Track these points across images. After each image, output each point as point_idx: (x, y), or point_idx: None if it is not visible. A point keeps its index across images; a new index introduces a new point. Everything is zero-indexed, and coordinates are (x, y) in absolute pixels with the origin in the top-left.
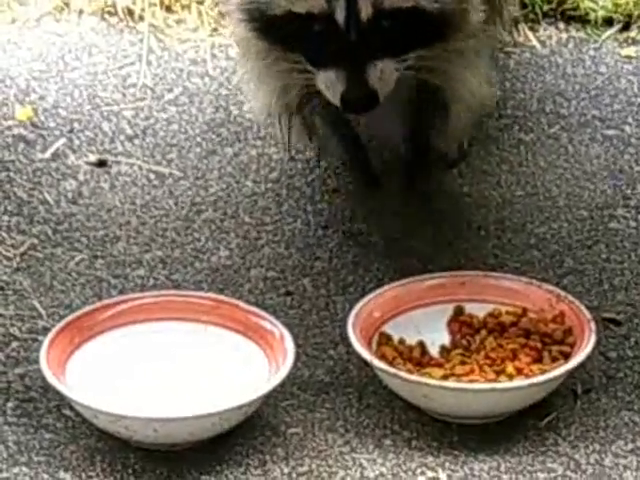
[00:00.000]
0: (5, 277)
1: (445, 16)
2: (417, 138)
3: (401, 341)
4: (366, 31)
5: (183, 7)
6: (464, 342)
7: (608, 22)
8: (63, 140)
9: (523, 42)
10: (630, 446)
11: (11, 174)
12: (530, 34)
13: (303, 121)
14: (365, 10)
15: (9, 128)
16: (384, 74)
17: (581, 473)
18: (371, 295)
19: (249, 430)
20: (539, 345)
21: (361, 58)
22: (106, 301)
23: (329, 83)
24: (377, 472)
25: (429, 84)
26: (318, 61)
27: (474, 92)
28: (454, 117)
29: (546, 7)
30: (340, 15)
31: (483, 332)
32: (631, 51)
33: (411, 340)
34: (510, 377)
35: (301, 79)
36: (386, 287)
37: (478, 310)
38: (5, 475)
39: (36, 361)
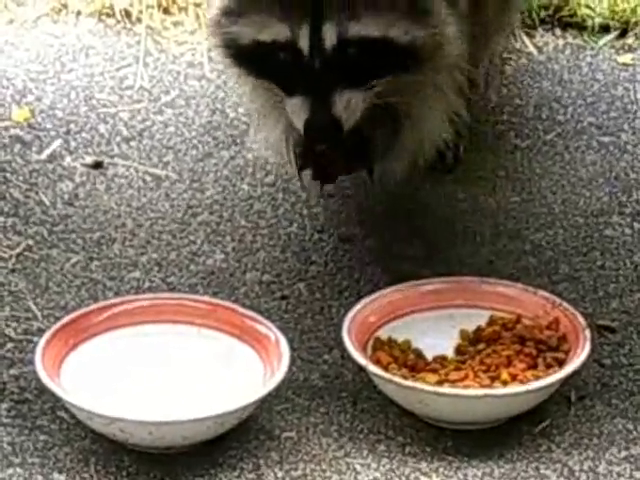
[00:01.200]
0: (0, 278)
1: (416, 48)
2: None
3: (396, 346)
4: (331, 60)
5: (180, 9)
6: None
7: (605, 29)
8: (59, 141)
9: (520, 48)
10: (624, 453)
11: (7, 175)
12: (527, 40)
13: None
14: (329, 39)
15: (6, 129)
16: (349, 103)
17: None
18: (366, 300)
19: (243, 434)
20: (534, 352)
21: (325, 86)
22: (101, 303)
23: (294, 110)
24: (371, 477)
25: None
26: (285, 88)
27: (430, 129)
28: (404, 141)
29: (543, 13)
30: (304, 43)
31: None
32: (628, 58)
33: (406, 345)
34: (505, 383)
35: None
36: (381, 292)
37: (473, 316)
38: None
39: (31, 362)
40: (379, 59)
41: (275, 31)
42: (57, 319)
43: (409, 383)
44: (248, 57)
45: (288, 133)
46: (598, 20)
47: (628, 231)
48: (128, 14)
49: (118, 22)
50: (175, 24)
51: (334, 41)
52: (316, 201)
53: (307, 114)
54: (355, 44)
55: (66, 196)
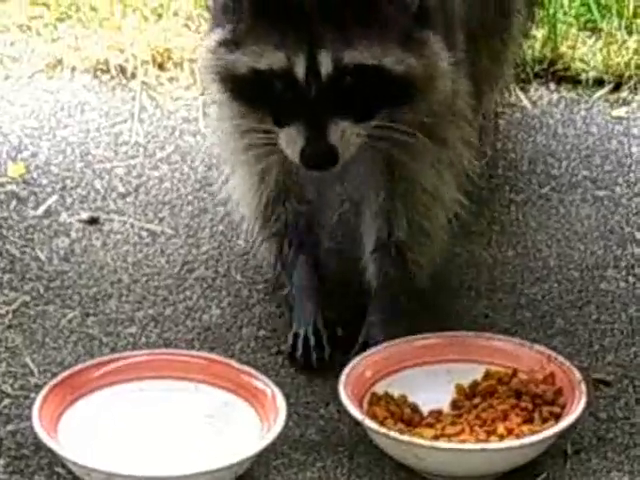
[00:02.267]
0: None
1: (409, 79)
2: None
3: (392, 401)
4: (327, 87)
5: (175, 65)
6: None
7: (599, 83)
8: (55, 197)
9: (514, 102)
10: None
11: (3, 231)
12: (521, 94)
13: (276, 239)
14: (325, 66)
15: (1, 185)
16: (345, 133)
17: None
18: (362, 355)
19: None
20: (530, 406)
21: (321, 114)
22: (98, 359)
23: (290, 140)
24: None
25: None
26: (280, 118)
27: (442, 197)
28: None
29: (537, 67)
30: (300, 71)
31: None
32: (622, 112)
33: (402, 400)
34: (501, 437)
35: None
36: (377, 347)
37: (469, 370)
38: None
39: (28, 418)
40: (373, 87)
41: (272, 59)
42: (54, 375)
43: (405, 438)
44: (244, 87)
45: (263, 200)
46: (592, 74)
47: (623, 284)
48: (123, 70)
49: (113, 78)
50: (170, 80)
51: (330, 69)
52: (270, 270)
53: (303, 142)
54: (351, 71)
55: (62, 252)
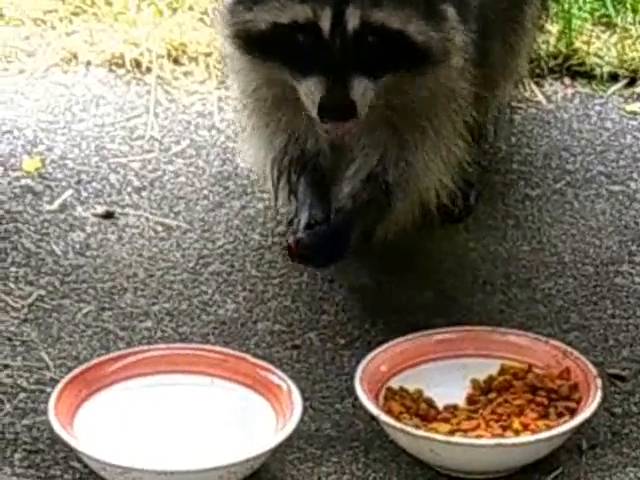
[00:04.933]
0: (13, 328)
1: (427, 49)
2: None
3: (407, 396)
4: (351, 43)
5: (191, 59)
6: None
7: (614, 77)
8: (70, 192)
9: (529, 97)
10: None
11: (19, 225)
12: (536, 89)
13: (287, 179)
14: (352, 21)
15: (17, 179)
16: (364, 89)
17: None
18: (378, 349)
19: None
20: (545, 401)
21: (343, 68)
22: (114, 353)
23: (309, 91)
24: None
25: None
26: (301, 71)
27: (430, 177)
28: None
29: (552, 63)
30: (325, 24)
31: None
32: (636, 107)
33: (417, 395)
34: (516, 433)
35: (289, 119)
36: (393, 341)
37: (484, 365)
38: None
39: (44, 412)
40: (394, 51)
41: (295, 12)
42: (69, 369)
43: (421, 433)
44: (263, 43)
45: (273, 149)
46: (607, 69)
47: (638, 280)
48: (138, 64)
49: (128, 72)
50: (185, 74)
51: (356, 25)
52: (287, 221)
53: (323, 93)
54: (375, 31)
55: (77, 246)
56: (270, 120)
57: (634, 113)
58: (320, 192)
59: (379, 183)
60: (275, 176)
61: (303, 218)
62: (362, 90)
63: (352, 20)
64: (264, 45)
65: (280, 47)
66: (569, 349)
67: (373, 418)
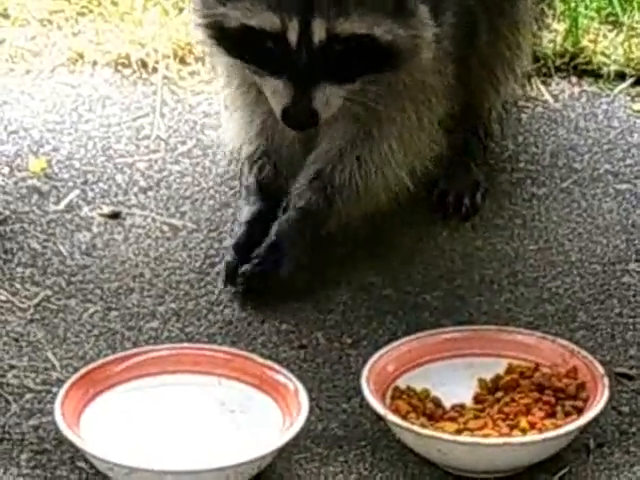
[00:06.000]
0: (19, 328)
1: (396, 48)
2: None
3: (414, 395)
4: (317, 53)
5: (197, 59)
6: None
7: (620, 76)
8: (77, 192)
9: (536, 96)
10: None
11: (25, 225)
12: (543, 88)
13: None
14: (318, 33)
15: (23, 179)
16: (329, 97)
17: None
18: (385, 349)
19: None
20: (552, 400)
21: (309, 78)
22: (120, 353)
23: (275, 92)
24: None
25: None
26: (267, 72)
27: (387, 171)
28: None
29: (559, 61)
30: (293, 36)
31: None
32: None
33: (424, 394)
34: (523, 432)
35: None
36: (400, 341)
37: (491, 364)
38: None
39: (50, 413)
40: (362, 56)
41: (264, 20)
42: (76, 369)
43: (428, 432)
44: (233, 39)
45: (248, 134)
46: (614, 68)
47: None
48: (144, 64)
49: (134, 72)
50: (191, 74)
51: (323, 36)
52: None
53: (287, 101)
54: (342, 40)
55: (84, 246)
56: (246, 104)
57: None
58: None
59: (323, 185)
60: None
61: (241, 232)
62: (326, 99)
63: (318, 31)
64: (233, 41)
65: (248, 47)
66: (576, 348)
67: (380, 418)
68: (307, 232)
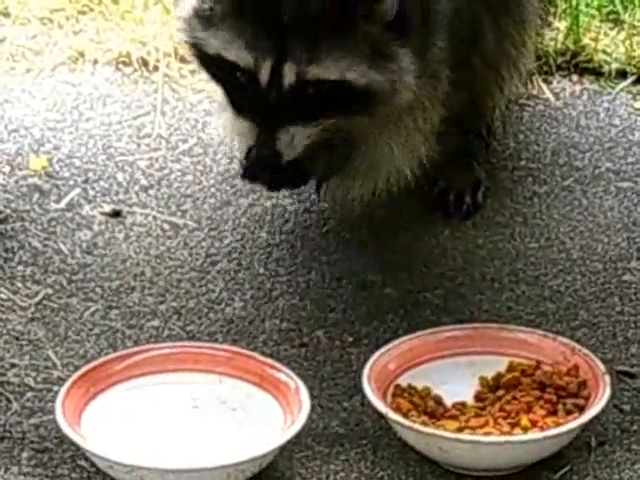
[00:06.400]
0: (20, 327)
1: (372, 92)
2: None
3: (416, 393)
4: (286, 97)
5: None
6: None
7: (622, 74)
8: (78, 190)
9: (537, 94)
10: None
11: (26, 224)
12: (544, 86)
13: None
14: (289, 77)
15: (24, 178)
16: (293, 139)
17: None
18: (386, 347)
19: None
20: (554, 398)
21: (275, 121)
22: (121, 352)
23: (241, 131)
24: None
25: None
26: (237, 107)
27: (387, 157)
28: (356, 163)
29: (560, 59)
30: (264, 77)
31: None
32: None
33: (426, 392)
34: (525, 430)
35: None
36: (401, 339)
37: (492, 362)
38: None
39: (51, 411)
40: (334, 99)
41: (238, 55)
42: (76, 368)
43: (429, 430)
44: (210, 64)
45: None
46: (615, 66)
47: None
48: (145, 62)
49: (135, 70)
50: (192, 72)
51: (292, 81)
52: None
53: (251, 142)
54: (312, 85)
55: (85, 245)
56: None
57: None
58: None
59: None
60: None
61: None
62: (290, 140)
63: (288, 76)
64: (211, 67)
65: (223, 76)
66: (577, 346)
67: (381, 416)
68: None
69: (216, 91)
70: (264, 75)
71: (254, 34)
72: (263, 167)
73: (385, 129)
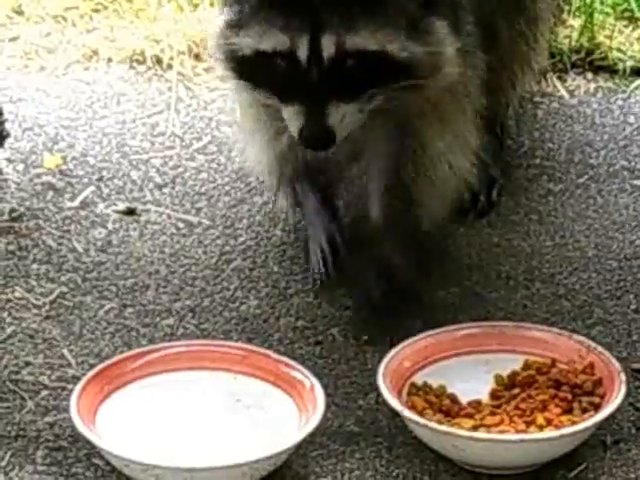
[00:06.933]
0: (34, 325)
1: (413, 64)
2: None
3: (431, 391)
4: (328, 70)
5: (212, 55)
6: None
7: (636, 72)
8: (92, 188)
9: (551, 92)
10: None
11: (40, 222)
12: (558, 84)
13: (290, 187)
14: (328, 50)
15: (38, 176)
16: (344, 114)
17: None
18: (401, 345)
19: None
20: (569, 396)
21: (321, 96)
22: (136, 350)
23: (290, 118)
24: None
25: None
26: (282, 97)
27: (451, 163)
28: (425, 187)
29: (574, 57)
30: (302, 53)
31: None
32: None
33: (441, 390)
34: (540, 428)
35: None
36: (416, 337)
37: (507, 361)
38: None
39: (66, 410)
40: (375, 72)
41: (275, 40)
42: (91, 366)
43: (444, 428)
44: (249, 67)
45: (276, 154)
46: (630, 63)
47: None
48: (159, 61)
49: (149, 69)
50: (206, 70)
51: (332, 52)
52: (291, 224)
53: (302, 122)
54: (353, 56)
55: (99, 243)
56: (270, 125)
57: None
58: (328, 202)
59: (402, 189)
60: (275, 180)
61: (324, 246)
62: (340, 116)
63: (328, 48)
64: (250, 71)
65: (263, 73)
66: (593, 344)
67: (396, 414)
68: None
69: (245, 116)
70: (303, 51)
71: (287, 18)
72: (316, 144)
73: (437, 124)
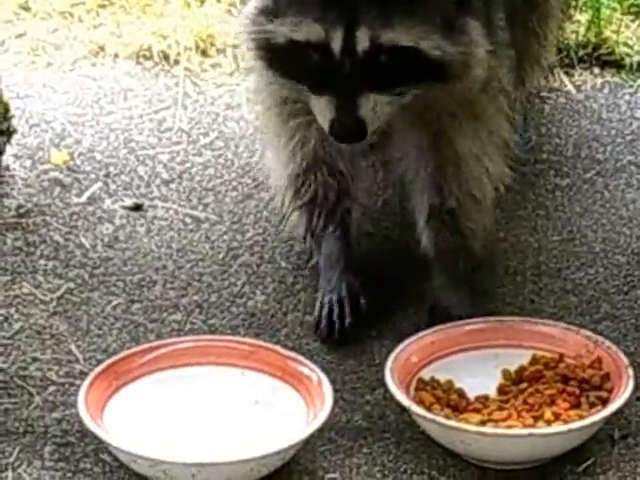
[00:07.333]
0: (42, 321)
1: (445, 64)
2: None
3: (438, 386)
4: (361, 63)
5: (219, 51)
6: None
7: None
8: (99, 184)
9: (558, 87)
10: None
11: (47, 218)
12: (565, 79)
13: (308, 211)
14: (362, 43)
15: (45, 172)
16: (375, 107)
17: None
18: (409, 340)
19: (286, 475)
20: (577, 391)
21: (353, 89)
22: (143, 346)
23: (321, 109)
24: None
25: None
26: (313, 88)
27: (487, 168)
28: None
29: (581, 52)
30: (336, 45)
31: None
32: None
33: (449, 386)
34: (548, 423)
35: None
36: (423, 332)
37: (515, 355)
38: None
39: (73, 405)
40: (407, 68)
41: (309, 31)
42: (99, 362)
43: (452, 423)
44: (281, 56)
45: (293, 157)
46: (636, 58)
47: None
48: (166, 56)
49: (156, 64)
50: (213, 66)
51: (366, 46)
52: (301, 240)
53: (333, 114)
54: (386, 51)
55: (106, 239)
56: (291, 136)
57: None
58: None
59: (449, 217)
60: (290, 196)
61: (334, 306)
62: (372, 107)
63: (362, 41)
64: (282, 60)
65: (295, 63)
66: (600, 339)
67: (404, 409)
68: (458, 271)
69: (267, 125)
70: (336, 44)
71: (322, 9)
72: (347, 136)
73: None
